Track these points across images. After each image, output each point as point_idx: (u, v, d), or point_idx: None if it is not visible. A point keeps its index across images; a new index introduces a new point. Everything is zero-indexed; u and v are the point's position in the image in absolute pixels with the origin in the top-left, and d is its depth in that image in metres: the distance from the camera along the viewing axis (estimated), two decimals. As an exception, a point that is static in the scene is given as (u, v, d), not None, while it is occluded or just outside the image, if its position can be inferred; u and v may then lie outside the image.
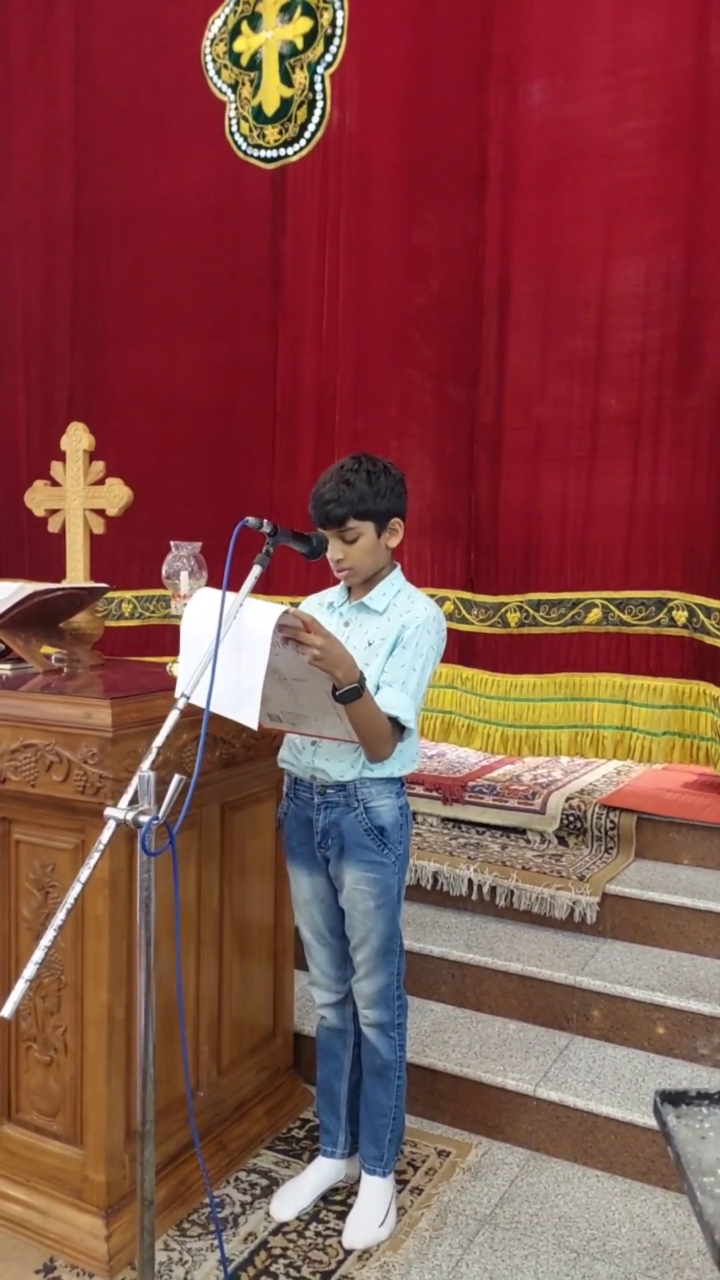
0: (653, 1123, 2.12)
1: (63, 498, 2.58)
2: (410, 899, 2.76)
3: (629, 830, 3.03)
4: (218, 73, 3.85)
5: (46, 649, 2.40)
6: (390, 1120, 2.06)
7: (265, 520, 1.67)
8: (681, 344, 3.04)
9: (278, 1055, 2.44)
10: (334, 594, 2.03)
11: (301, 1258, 1.95)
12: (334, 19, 3.58)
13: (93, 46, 4.10)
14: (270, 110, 3.73)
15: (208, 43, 3.86)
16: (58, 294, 4.24)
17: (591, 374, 3.17)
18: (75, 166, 4.17)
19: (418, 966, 2.69)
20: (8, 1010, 1.27)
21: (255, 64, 3.75)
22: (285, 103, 3.69)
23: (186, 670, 1.66)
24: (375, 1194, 2.04)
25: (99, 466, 2.55)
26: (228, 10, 3.81)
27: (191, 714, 1.55)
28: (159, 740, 1.46)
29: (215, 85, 3.86)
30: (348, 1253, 1.97)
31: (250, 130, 3.78)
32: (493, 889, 2.89)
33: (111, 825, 1.40)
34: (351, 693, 1.69)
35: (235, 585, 1.61)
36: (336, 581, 2.00)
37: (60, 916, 1.33)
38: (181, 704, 1.50)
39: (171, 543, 2.12)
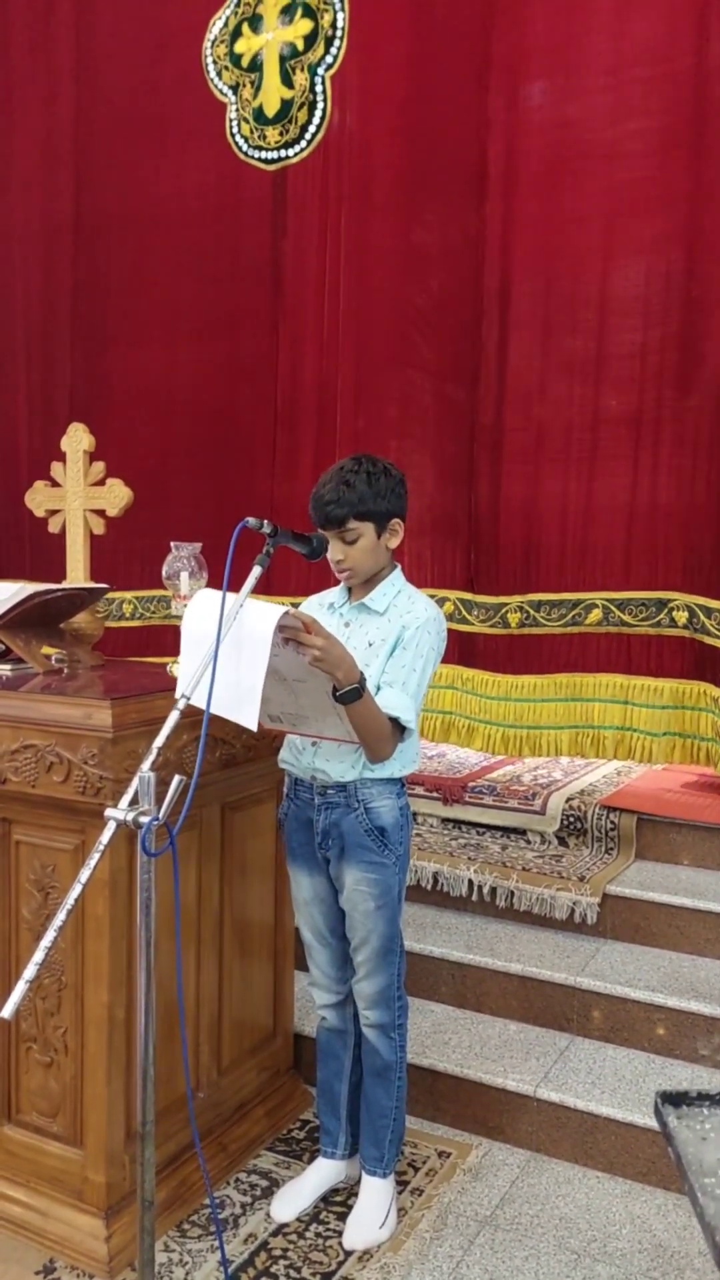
0: (653, 1123, 2.12)
1: (63, 498, 2.58)
2: (410, 900, 2.76)
3: (629, 831, 3.03)
4: (218, 74, 3.85)
5: (47, 649, 2.40)
6: (390, 1121, 2.06)
7: (265, 521, 1.67)
8: (682, 344, 3.05)
9: (278, 1056, 2.44)
10: (334, 594, 2.03)
11: (302, 1259, 1.95)
12: (334, 20, 3.58)
13: (93, 47, 4.11)
14: (271, 112, 3.73)
15: (208, 44, 3.86)
16: (58, 294, 4.25)
17: (592, 374, 3.17)
18: (76, 167, 4.17)
19: (418, 967, 2.69)
20: (8, 1011, 1.27)
21: (256, 65, 3.76)
22: (286, 104, 3.70)
23: (187, 671, 1.66)
24: (375, 1195, 2.04)
25: (99, 467, 2.55)
26: (228, 12, 3.82)
27: (192, 714, 1.55)
28: (159, 741, 1.46)
29: (216, 86, 3.86)
30: (348, 1254, 1.97)
31: (251, 132, 3.78)
32: (493, 890, 2.89)
33: (112, 826, 1.40)
34: (352, 693, 1.69)
35: (235, 586, 1.61)
36: (337, 582, 2.00)
37: (60, 917, 1.33)
38: (182, 705, 1.50)
39: (172, 543, 2.12)
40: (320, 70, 3.62)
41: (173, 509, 3.85)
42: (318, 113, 3.65)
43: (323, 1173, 2.14)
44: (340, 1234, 2.01)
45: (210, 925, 2.17)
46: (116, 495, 2.51)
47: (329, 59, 3.61)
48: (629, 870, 2.92)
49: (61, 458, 2.58)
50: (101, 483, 2.54)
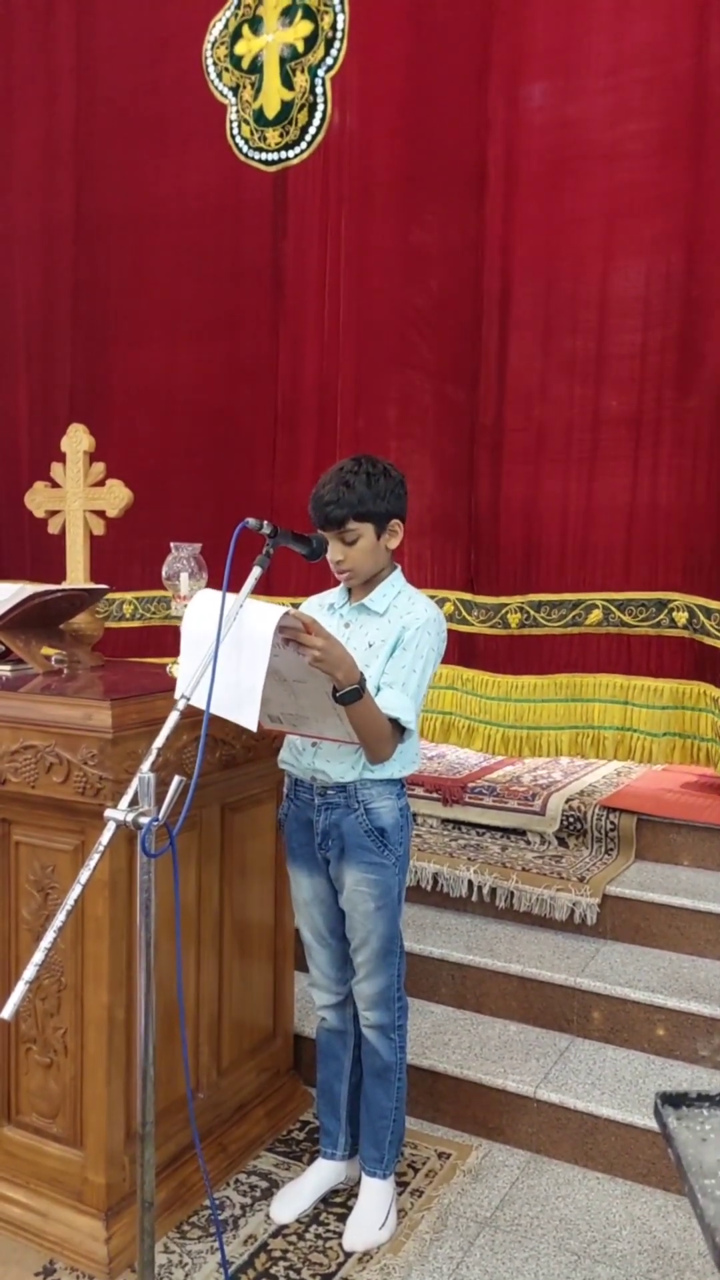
0: (653, 1124, 2.12)
1: (63, 499, 2.59)
2: (410, 900, 2.76)
3: (629, 831, 3.03)
4: (218, 75, 3.85)
5: (46, 650, 2.40)
6: (390, 1122, 2.05)
7: (265, 521, 1.67)
8: (682, 345, 3.05)
9: (278, 1057, 2.44)
10: (334, 595, 2.03)
11: (302, 1260, 1.95)
12: (335, 22, 3.58)
13: (93, 48, 4.11)
14: (271, 113, 3.73)
15: (208, 45, 3.87)
16: (59, 295, 4.25)
17: (592, 375, 3.17)
18: (76, 167, 4.18)
19: (418, 968, 2.69)
20: (8, 1012, 1.27)
21: (256, 67, 3.76)
22: (286, 106, 3.70)
23: (187, 671, 1.66)
24: (375, 1196, 2.04)
25: (99, 468, 2.55)
26: (229, 13, 3.82)
27: (192, 715, 1.55)
28: (159, 741, 1.46)
29: (216, 88, 3.87)
30: (348, 1255, 1.96)
31: (251, 133, 3.78)
32: (493, 890, 2.88)
33: (111, 826, 1.40)
34: (352, 694, 1.69)
35: (235, 586, 1.61)
36: (337, 583, 2.00)
37: (60, 918, 1.33)
38: (181, 705, 1.50)
39: (171, 544, 2.12)
40: (320, 72, 3.63)
41: (173, 509, 3.86)
42: (318, 114, 3.65)
43: (322, 1174, 2.14)
44: (340, 1235, 2.01)
45: (210, 926, 2.17)
46: (116, 496, 2.51)
47: (329, 60, 3.61)
48: (629, 871, 2.92)
49: (62, 458, 2.58)
50: (101, 483, 2.54)
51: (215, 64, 3.86)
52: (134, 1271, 1.88)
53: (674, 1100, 1.16)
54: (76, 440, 2.56)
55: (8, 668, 2.26)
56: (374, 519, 1.88)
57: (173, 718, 1.49)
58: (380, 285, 3.54)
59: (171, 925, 1.92)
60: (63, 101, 4.19)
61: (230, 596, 1.58)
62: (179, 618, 1.85)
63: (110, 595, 4.03)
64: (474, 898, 2.91)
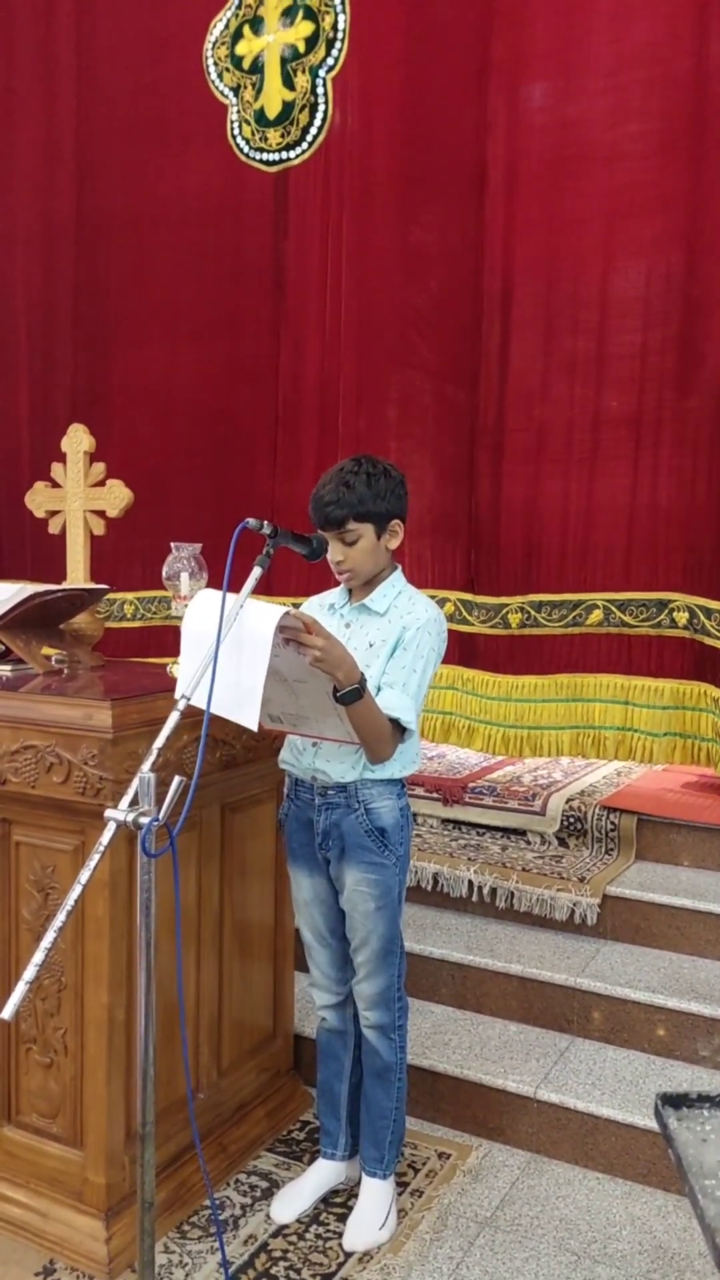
0: (653, 1125, 2.12)
1: (63, 499, 2.58)
2: (410, 900, 2.76)
3: (629, 831, 3.03)
4: (219, 76, 3.85)
5: (47, 650, 2.40)
6: (391, 1122, 2.06)
7: (265, 522, 1.67)
8: (682, 345, 3.05)
9: (278, 1057, 2.44)
10: (335, 595, 2.03)
11: (302, 1260, 1.95)
12: (336, 23, 3.58)
13: (94, 48, 4.11)
14: (272, 114, 3.73)
15: (209, 46, 3.87)
16: (60, 295, 4.25)
17: (593, 375, 3.18)
18: (77, 168, 4.18)
19: (418, 968, 2.69)
20: (8, 1012, 1.27)
21: (257, 67, 3.76)
22: (287, 106, 3.70)
23: (187, 671, 1.66)
24: (375, 1196, 2.04)
25: (99, 468, 2.55)
26: (229, 14, 3.82)
27: (192, 715, 1.55)
28: (159, 742, 1.46)
29: (217, 88, 3.87)
30: (348, 1255, 1.96)
31: (252, 133, 3.78)
32: (493, 890, 2.88)
33: (112, 827, 1.40)
34: (352, 694, 1.69)
35: (236, 587, 1.61)
36: (337, 583, 2.01)
37: (60, 918, 1.33)
38: (182, 705, 1.50)
39: (172, 544, 2.12)
40: (321, 72, 3.63)
41: (174, 510, 3.86)
42: (319, 115, 3.65)
43: (323, 1174, 2.14)
44: (340, 1235, 2.01)
45: (210, 926, 2.17)
46: (117, 496, 2.51)
47: (330, 61, 3.61)
48: (629, 871, 2.92)
49: (62, 458, 2.58)
50: (102, 483, 2.54)
51: (216, 64, 3.86)
52: (134, 1271, 1.88)
53: (674, 1101, 1.16)
54: (77, 440, 2.56)
55: (8, 668, 2.26)
56: (374, 519, 1.88)
57: (173, 718, 1.49)
58: (381, 285, 3.54)
59: (171, 925, 1.92)
60: (63, 102, 4.19)
61: (230, 596, 1.58)
62: (179, 618, 1.85)
63: (111, 595, 4.04)
64: (474, 898, 2.91)
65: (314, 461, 3.67)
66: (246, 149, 3.80)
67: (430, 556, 3.51)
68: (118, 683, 2.18)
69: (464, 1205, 2.12)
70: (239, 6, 3.79)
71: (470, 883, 2.91)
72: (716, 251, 2.97)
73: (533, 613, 3.30)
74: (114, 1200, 1.94)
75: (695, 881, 2.85)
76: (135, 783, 1.43)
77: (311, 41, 3.63)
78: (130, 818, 1.40)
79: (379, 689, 1.85)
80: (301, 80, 3.66)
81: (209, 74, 3.87)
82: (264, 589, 3.60)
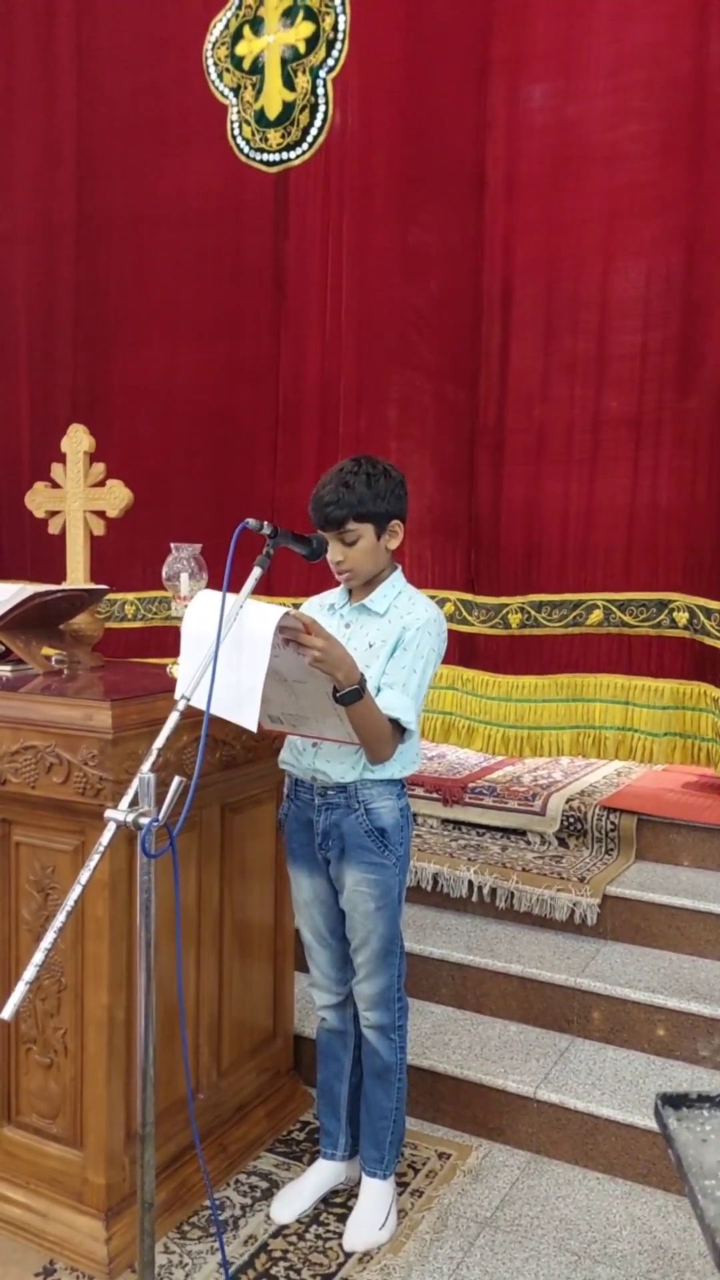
0: (653, 1125, 2.12)
1: (63, 499, 2.59)
2: (410, 901, 2.76)
3: (629, 832, 3.03)
4: (219, 76, 3.85)
5: (47, 650, 2.40)
6: (391, 1122, 2.06)
7: (265, 522, 1.67)
8: (682, 345, 3.05)
9: (278, 1057, 2.44)
10: (335, 595, 2.03)
11: (302, 1260, 1.95)
12: (336, 23, 3.58)
13: (94, 49, 4.11)
14: (273, 114, 3.73)
15: (209, 46, 3.87)
16: (60, 295, 4.25)
17: (593, 376, 3.18)
18: (77, 168, 4.18)
19: (418, 968, 2.69)
20: (8, 1012, 1.27)
21: (257, 68, 3.76)
22: (288, 106, 3.70)
23: (187, 672, 1.66)
24: (375, 1196, 2.04)
25: (99, 468, 2.55)
26: (229, 14, 3.82)
27: (192, 715, 1.55)
28: (159, 742, 1.46)
29: (217, 88, 3.87)
30: (348, 1255, 1.96)
31: (253, 134, 3.78)
32: (493, 890, 2.88)
33: (112, 827, 1.41)
34: (352, 694, 1.69)
35: (236, 587, 1.61)
36: (337, 583, 2.01)
37: (60, 918, 1.33)
38: (182, 705, 1.50)
39: (172, 544, 2.12)
40: (322, 73, 3.63)
41: (174, 510, 3.86)
42: (319, 115, 3.65)
43: (322, 1174, 2.14)
44: (340, 1235, 2.01)
45: (210, 926, 2.17)
46: (116, 496, 2.51)
47: (330, 62, 3.61)
48: (629, 871, 2.92)
49: (63, 459, 2.58)
50: (101, 484, 2.54)
51: (216, 64, 3.86)
52: (134, 1272, 1.88)
53: (674, 1101, 1.16)
54: (76, 440, 2.56)
55: (8, 668, 2.26)
56: (374, 519, 1.88)
57: (173, 718, 1.49)
58: (381, 285, 3.54)
59: (171, 926, 1.92)
60: (63, 102, 4.19)
61: (230, 597, 1.58)
62: (180, 618, 1.85)
63: (112, 596, 4.04)
64: (474, 898, 2.91)
65: (314, 462, 3.67)
66: (247, 149, 3.80)
67: (430, 557, 3.51)
68: (118, 683, 2.18)
69: (464, 1205, 2.12)
70: (239, 7, 3.79)
71: (470, 883, 2.91)
72: (717, 252, 2.97)
73: (533, 613, 3.30)
74: (114, 1200, 1.94)
75: (695, 881, 2.85)
76: (135, 783, 1.43)
77: (312, 42, 3.64)
78: (130, 818, 1.40)
79: (379, 689, 1.85)
80: (302, 81, 3.66)
81: (209, 74, 3.88)
82: (264, 589, 3.60)
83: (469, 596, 3.44)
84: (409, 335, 3.51)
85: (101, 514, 2.55)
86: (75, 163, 4.18)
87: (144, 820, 1.40)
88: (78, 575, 2.58)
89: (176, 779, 1.42)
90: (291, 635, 1.64)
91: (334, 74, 3.61)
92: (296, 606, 1.97)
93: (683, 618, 3.07)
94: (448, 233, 3.41)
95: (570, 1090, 2.31)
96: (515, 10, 3.21)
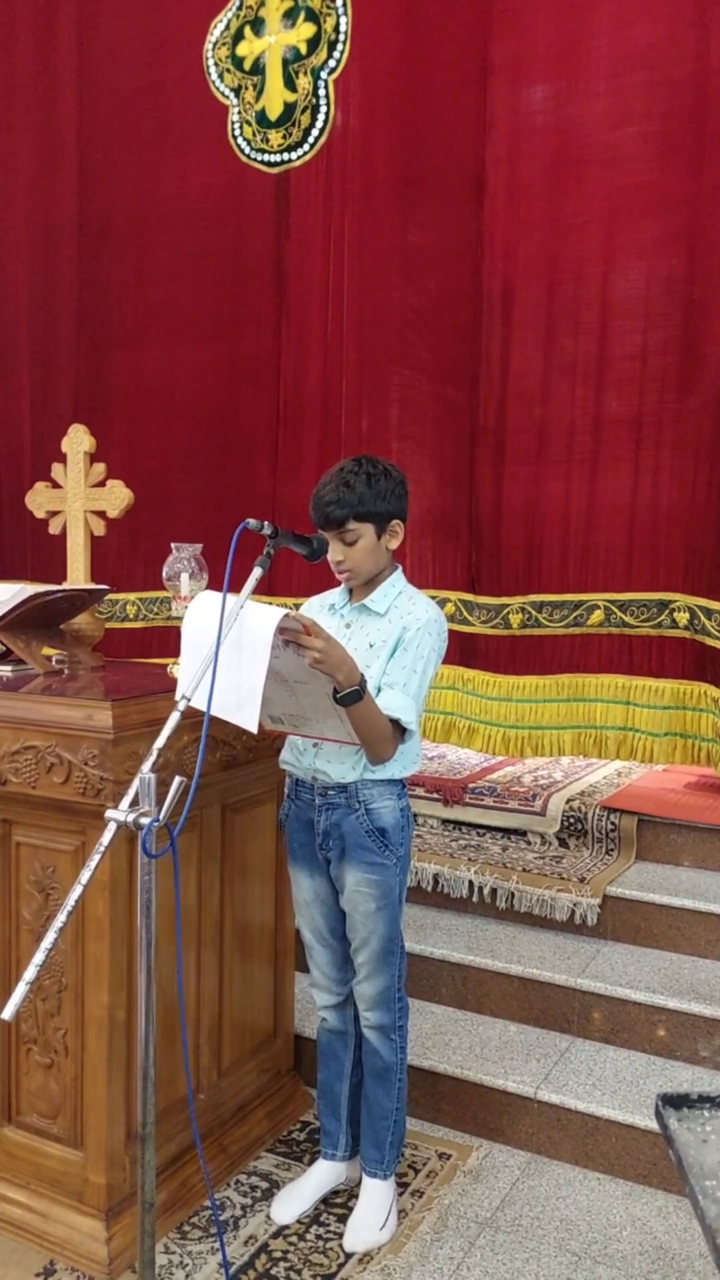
0: (654, 1125, 2.12)
1: (63, 500, 2.59)
2: (411, 901, 2.76)
3: (630, 832, 3.02)
4: (220, 76, 3.85)
5: (47, 651, 2.40)
6: (391, 1123, 2.06)
7: (266, 522, 1.67)
8: (683, 346, 3.05)
9: (278, 1057, 2.44)
10: (335, 595, 2.03)
11: (302, 1261, 1.95)
12: (338, 24, 3.59)
13: (95, 49, 4.11)
14: (274, 115, 3.73)
15: (209, 46, 3.87)
16: (62, 296, 4.25)
17: (593, 376, 3.18)
18: (78, 168, 4.18)
19: (418, 968, 2.69)
20: (8, 1012, 1.27)
21: (258, 68, 3.76)
22: (289, 107, 3.70)
23: (187, 672, 1.66)
24: (376, 1197, 2.04)
25: (100, 468, 2.55)
26: (230, 15, 3.82)
27: (192, 716, 1.55)
28: (160, 742, 1.46)
29: (217, 89, 3.87)
30: (348, 1256, 1.96)
31: (254, 134, 3.78)
32: (493, 891, 2.88)
33: (112, 827, 1.41)
34: (352, 695, 1.69)
35: (236, 587, 1.61)
36: (338, 583, 2.01)
37: (61, 918, 1.33)
38: (182, 706, 1.50)
39: (172, 544, 2.12)
40: (324, 74, 3.63)
41: (175, 510, 3.86)
42: (320, 116, 3.65)
43: (323, 1174, 2.14)
44: (341, 1236, 2.01)
45: (211, 927, 2.17)
46: (117, 496, 2.51)
47: (332, 63, 3.61)
48: (629, 871, 2.92)
49: (64, 459, 2.58)
50: (102, 484, 2.54)
51: (216, 65, 3.86)
52: (134, 1272, 1.88)
53: (675, 1101, 1.16)
54: (77, 441, 2.56)
55: (8, 668, 2.26)
56: (374, 519, 1.88)
57: (173, 718, 1.49)
58: (382, 286, 3.54)
59: (172, 926, 1.92)
60: (64, 102, 4.19)
61: (231, 598, 1.58)
62: (180, 618, 1.86)
63: (114, 596, 4.04)
64: (474, 898, 2.91)
65: (315, 462, 3.68)
66: (248, 150, 3.81)
67: (431, 557, 3.52)
68: (118, 683, 2.18)
69: (464, 1206, 2.12)
70: (240, 7, 3.79)
71: (470, 883, 2.91)
72: (717, 253, 2.97)
73: (534, 613, 3.30)
74: (114, 1201, 1.94)
75: (695, 882, 2.85)
76: (135, 783, 1.43)
77: (313, 43, 3.64)
78: (131, 818, 1.40)
79: (379, 689, 1.85)
80: (303, 82, 3.66)
81: (209, 74, 3.88)
82: (265, 589, 3.60)
83: (470, 597, 3.44)
84: (410, 335, 3.51)
85: (102, 514, 2.55)
86: (76, 163, 4.18)
87: (144, 820, 1.40)
88: (78, 575, 2.58)
89: (177, 779, 1.43)
90: (291, 636, 1.64)
91: (335, 75, 3.61)
92: (297, 607, 1.98)
93: (683, 618, 3.07)
94: (449, 233, 3.41)
95: (571, 1090, 2.30)
96: (516, 11, 3.21)
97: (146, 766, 1.43)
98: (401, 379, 3.53)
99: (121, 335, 4.12)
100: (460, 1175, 2.23)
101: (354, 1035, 2.12)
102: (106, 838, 1.39)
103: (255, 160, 3.79)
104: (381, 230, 3.53)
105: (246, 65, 3.79)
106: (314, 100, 3.65)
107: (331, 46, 3.60)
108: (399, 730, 1.84)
